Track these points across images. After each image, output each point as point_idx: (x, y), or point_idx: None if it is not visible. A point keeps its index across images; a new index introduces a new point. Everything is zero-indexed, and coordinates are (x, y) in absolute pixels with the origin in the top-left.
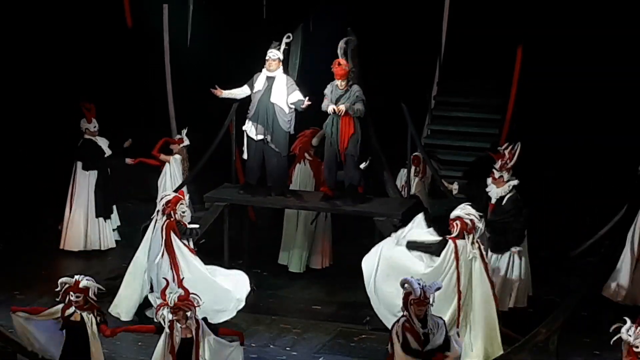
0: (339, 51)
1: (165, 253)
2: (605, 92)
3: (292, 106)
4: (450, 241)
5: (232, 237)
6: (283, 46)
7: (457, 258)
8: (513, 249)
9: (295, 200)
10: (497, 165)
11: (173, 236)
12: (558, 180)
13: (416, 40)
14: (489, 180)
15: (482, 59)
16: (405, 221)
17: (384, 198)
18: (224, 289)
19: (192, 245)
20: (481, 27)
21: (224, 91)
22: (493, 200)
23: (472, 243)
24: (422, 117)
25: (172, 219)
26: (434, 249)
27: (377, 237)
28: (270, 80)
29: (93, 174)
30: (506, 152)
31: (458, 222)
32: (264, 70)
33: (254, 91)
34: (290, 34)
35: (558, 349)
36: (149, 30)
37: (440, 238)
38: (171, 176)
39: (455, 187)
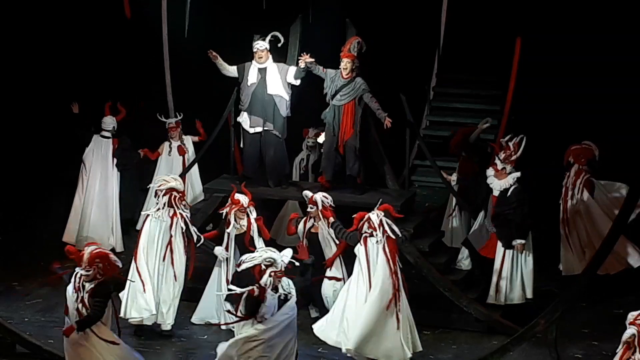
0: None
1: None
2: (604, 93)
3: (295, 83)
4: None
5: None
6: (269, 37)
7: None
8: (514, 242)
9: (294, 191)
10: (501, 157)
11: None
12: (557, 172)
13: (415, 31)
14: (490, 171)
15: (481, 50)
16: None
17: (383, 189)
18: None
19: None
20: (480, 18)
21: (218, 58)
22: (496, 193)
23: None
24: (421, 108)
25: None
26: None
27: None
28: (262, 72)
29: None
30: (510, 144)
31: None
32: (253, 62)
33: (247, 83)
34: (277, 34)
35: (556, 339)
36: (148, 21)
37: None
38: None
39: (453, 178)
